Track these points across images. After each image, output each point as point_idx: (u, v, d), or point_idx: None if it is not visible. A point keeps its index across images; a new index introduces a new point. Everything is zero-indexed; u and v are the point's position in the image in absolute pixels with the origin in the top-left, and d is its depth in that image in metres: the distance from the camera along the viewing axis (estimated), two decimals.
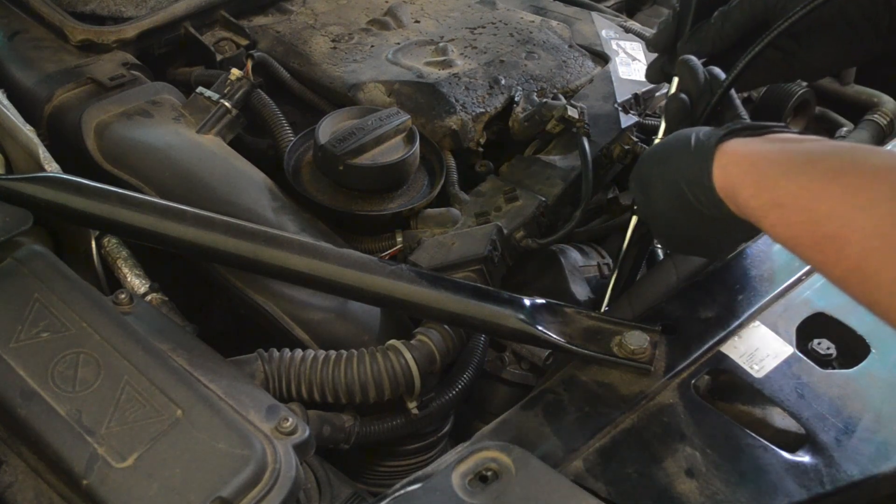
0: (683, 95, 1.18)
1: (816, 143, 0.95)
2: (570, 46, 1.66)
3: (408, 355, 1.14)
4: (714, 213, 1.01)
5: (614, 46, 1.68)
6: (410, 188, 1.42)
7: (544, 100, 1.49)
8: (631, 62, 1.65)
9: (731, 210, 0.99)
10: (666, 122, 1.22)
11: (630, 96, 1.56)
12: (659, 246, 1.52)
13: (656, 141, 1.26)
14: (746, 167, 0.96)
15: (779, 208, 0.91)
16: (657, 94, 1.62)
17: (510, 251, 1.33)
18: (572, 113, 1.44)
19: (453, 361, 1.25)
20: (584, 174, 1.39)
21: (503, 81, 1.53)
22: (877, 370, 1.15)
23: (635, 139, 1.48)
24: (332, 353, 1.15)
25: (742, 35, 1.22)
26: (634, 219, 1.28)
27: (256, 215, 1.30)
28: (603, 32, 1.72)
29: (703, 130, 1.03)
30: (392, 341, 1.16)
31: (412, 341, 1.17)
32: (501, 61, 1.58)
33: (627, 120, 1.51)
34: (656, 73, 1.34)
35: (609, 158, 1.46)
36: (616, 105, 1.53)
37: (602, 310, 1.26)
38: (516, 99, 1.51)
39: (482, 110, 1.49)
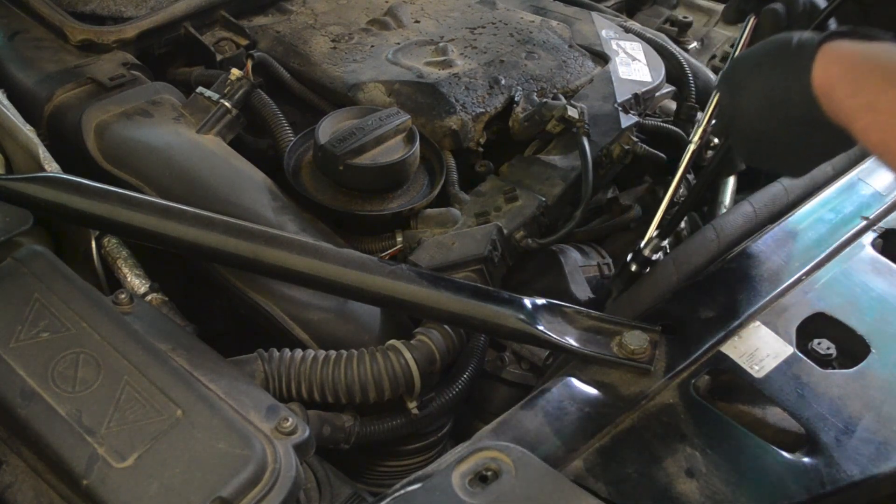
0: (779, 5, 1.17)
1: None
2: (570, 46, 1.66)
3: (408, 355, 1.14)
4: (806, 114, 0.99)
5: (614, 46, 1.68)
6: (410, 188, 1.41)
7: (544, 100, 1.49)
8: (631, 62, 1.65)
9: (824, 111, 0.98)
10: (760, 32, 1.22)
11: (630, 96, 1.56)
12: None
13: (737, 51, 1.27)
14: (847, 67, 0.96)
15: (873, 112, 0.92)
16: (657, 94, 1.62)
17: (510, 251, 1.33)
18: (572, 113, 1.44)
19: (453, 361, 1.25)
20: (584, 174, 1.39)
21: (503, 81, 1.53)
22: (877, 370, 1.15)
23: (635, 139, 1.48)
24: (332, 353, 1.15)
25: None
26: (691, 147, 1.29)
27: (256, 215, 1.30)
28: (603, 32, 1.72)
29: (805, 33, 1.02)
30: (392, 341, 1.16)
31: (412, 341, 1.17)
32: (501, 61, 1.58)
33: (627, 120, 1.51)
34: (734, 13, 1.34)
35: (609, 158, 1.46)
36: (616, 105, 1.53)
37: (655, 228, 1.27)
38: (516, 99, 1.51)
39: (482, 110, 1.49)
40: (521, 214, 1.35)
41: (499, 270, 1.31)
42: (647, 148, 1.50)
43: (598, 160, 1.43)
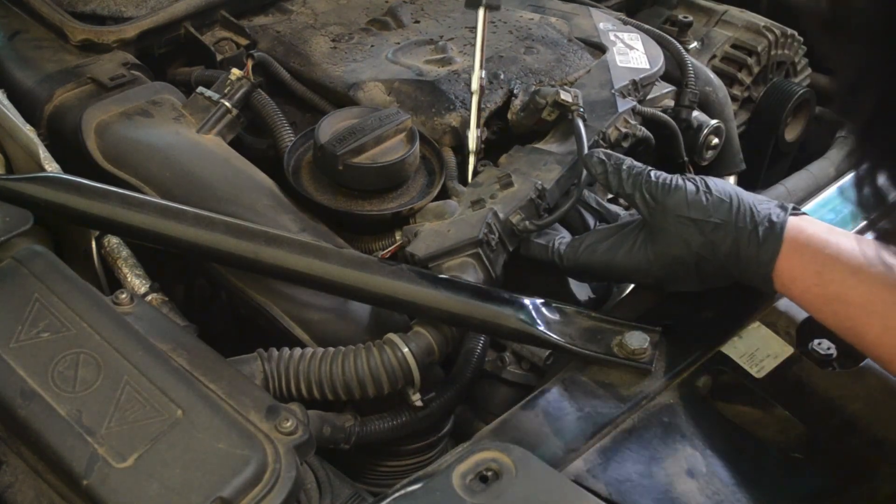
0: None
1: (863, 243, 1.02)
2: (569, 40, 1.66)
3: (404, 348, 1.14)
4: (746, 282, 1.09)
5: (612, 37, 1.67)
6: (410, 188, 1.41)
7: (536, 88, 1.48)
8: (629, 51, 1.64)
9: (773, 287, 1.07)
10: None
11: (628, 82, 1.55)
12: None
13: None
14: (811, 258, 1.04)
15: (843, 305, 1.02)
16: (659, 93, 1.62)
17: (508, 235, 1.32)
18: (565, 97, 1.42)
19: (453, 354, 1.24)
20: (578, 153, 1.35)
21: (502, 76, 1.53)
22: (877, 370, 1.15)
23: (633, 122, 1.48)
24: (330, 349, 1.15)
25: None
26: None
27: (256, 215, 1.30)
28: (601, 25, 1.71)
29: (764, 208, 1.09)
30: (389, 334, 1.16)
31: (408, 333, 1.16)
32: (500, 57, 1.58)
33: (624, 104, 1.50)
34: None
35: (608, 142, 1.45)
36: (613, 91, 1.52)
37: None
38: (515, 92, 1.51)
39: (482, 107, 1.48)
40: (517, 198, 1.33)
41: (498, 255, 1.29)
42: (645, 130, 1.49)
43: (595, 144, 1.42)
